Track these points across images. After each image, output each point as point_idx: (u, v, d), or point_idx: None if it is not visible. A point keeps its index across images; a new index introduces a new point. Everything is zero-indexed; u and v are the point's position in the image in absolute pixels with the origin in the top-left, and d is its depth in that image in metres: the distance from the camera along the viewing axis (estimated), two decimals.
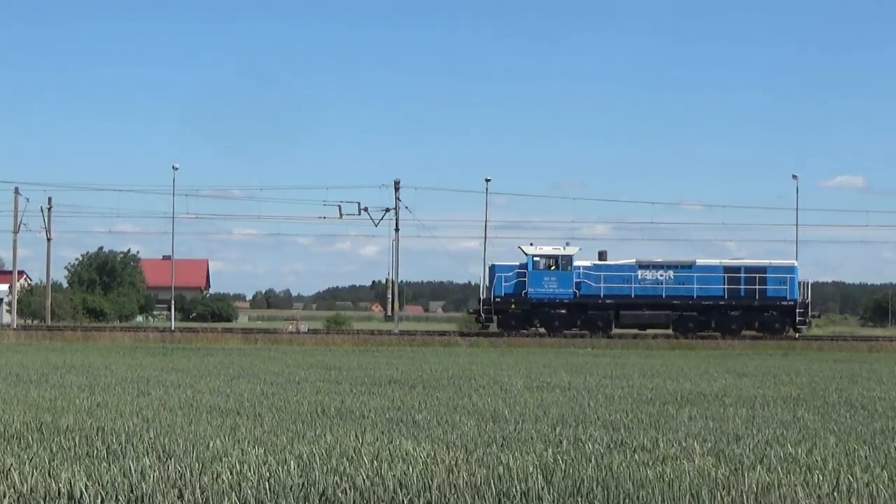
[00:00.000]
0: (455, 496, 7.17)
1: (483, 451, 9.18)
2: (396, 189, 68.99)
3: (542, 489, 7.33)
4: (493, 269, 53.11)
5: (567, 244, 54.15)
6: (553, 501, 7.12)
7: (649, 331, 52.06)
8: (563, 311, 52.32)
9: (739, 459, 8.94)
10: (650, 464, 8.58)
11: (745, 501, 7.20)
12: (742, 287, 52.06)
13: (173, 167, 67.92)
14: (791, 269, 52.67)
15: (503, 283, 52.21)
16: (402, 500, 7.07)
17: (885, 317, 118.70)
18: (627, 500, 7.15)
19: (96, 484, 7.32)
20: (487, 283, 53.27)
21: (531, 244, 53.79)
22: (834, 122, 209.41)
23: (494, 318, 52.69)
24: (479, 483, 7.52)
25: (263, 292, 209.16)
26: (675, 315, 52.16)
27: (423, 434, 10.64)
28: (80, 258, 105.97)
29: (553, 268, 52.06)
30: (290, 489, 7.25)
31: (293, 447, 9.29)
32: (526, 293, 52.00)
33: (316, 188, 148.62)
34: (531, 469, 8.05)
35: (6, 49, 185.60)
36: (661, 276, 52.12)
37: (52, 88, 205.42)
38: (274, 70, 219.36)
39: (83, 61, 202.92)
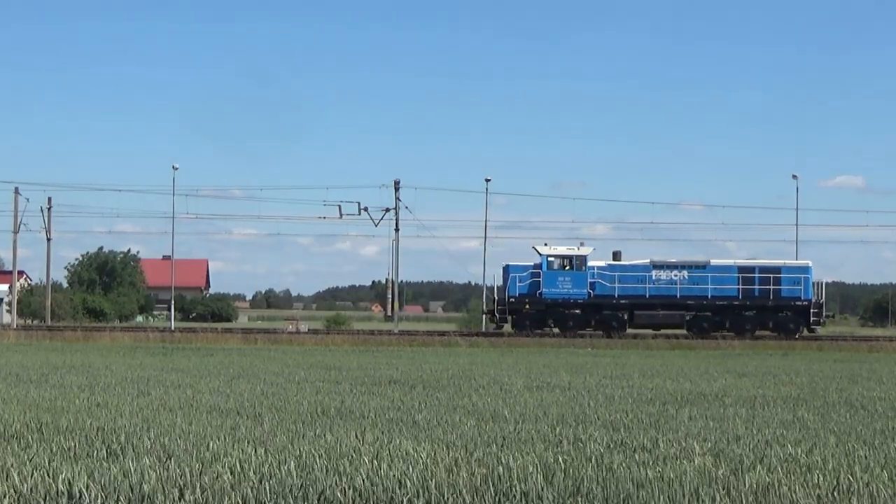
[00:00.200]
0: (455, 496, 7.16)
1: (483, 451, 9.18)
2: (396, 189, 69.05)
3: (542, 489, 7.33)
4: (507, 269, 53.01)
5: (581, 244, 54.17)
6: (553, 501, 7.12)
7: (663, 331, 51.96)
8: (577, 312, 52.33)
9: (739, 459, 8.94)
10: (650, 464, 8.58)
11: (745, 501, 7.21)
12: (756, 287, 52.06)
13: (173, 167, 68.08)
14: (805, 270, 52.65)
15: (517, 284, 52.19)
16: (402, 500, 7.07)
17: (885, 317, 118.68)
18: (627, 500, 7.15)
19: (96, 484, 7.32)
20: (501, 283, 53.18)
21: (545, 244, 53.85)
22: (834, 122, 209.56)
23: (509, 318, 52.63)
24: (479, 483, 7.52)
25: (263, 292, 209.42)
26: (689, 315, 52.19)
27: (423, 434, 10.64)
28: (80, 258, 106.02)
29: (567, 268, 52.08)
30: (290, 489, 7.25)
31: (293, 447, 9.29)
32: (540, 293, 51.99)
33: (316, 188, 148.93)
34: (531, 469, 8.05)
35: (6, 49, 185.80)
36: (676, 276, 52.13)
37: (52, 88, 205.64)
38: (274, 70, 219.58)
39: (83, 61, 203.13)
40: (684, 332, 51.78)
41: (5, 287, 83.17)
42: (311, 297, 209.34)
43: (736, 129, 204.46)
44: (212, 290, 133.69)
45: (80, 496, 7.03)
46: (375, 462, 8.37)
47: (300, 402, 14.53)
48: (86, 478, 7.50)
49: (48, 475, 7.62)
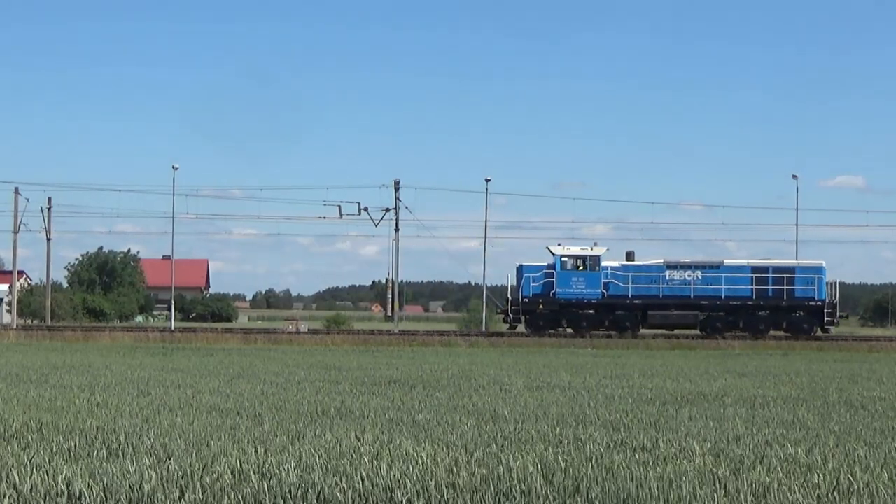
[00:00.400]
0: (455, 496, 7.17)
1: (483, 451, 9.18)
2: (396, 189, 69.02)
3: (542, 489, 7.33)
4: (520, 269, 52.97)
5: (595, 244, 54.18)
6: (553, 501, 7.12)
7: (676, 331, 51.94)
8: (590, 312, 52.31)
9: (739, 459, 8.94)
10: (650, 464, 8.58)
11: (745, 501, 7.21)
12: (770, 287, 52.02)
13: (173, 167, 68.02)
14: (819, 270, 52.57)
15: (531, 284, 52.17)
16: (402, 500, 7.07)
17: (885, 317, 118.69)
18: (627, 500, 7.15)
19: (96, 484, 7.32)
20: (515, 283, 53.15)
21: (559, 244, 53.89)
22: (834, 122, 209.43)
23: (522, 318, 52.62)
24: (479, 483, 7.52)
25: (263, 292, 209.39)
26: (702, 315, 52.20)
27: (423, 434, 10.64)
28: (80, 258, 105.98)
29: (581, 268, 52.08)
30: (290, 489, 7.25)
31: (293, 447, 9.29)
32: (554, 293, 51.96)
33: (316, 188, 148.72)
34: (531, 469, 8.05)
35: (6, 49, 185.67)
36: (689, 276, 52.11)
37: (52, 88, 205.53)
38: (274, 70, 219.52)
39: (83, 61, 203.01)
40: (697, 332, 51.77)
41: (5, 287, 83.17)
42: (311, 297, 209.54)
43: (736, 129, 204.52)
44: (212, 290, 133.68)
45: (80, 496, 7.03)
46: (375, 462, 8.37)
47: (300, 402, 14.53)
48: (86, 478, 7.50)
49: (48, 475, 7.62)
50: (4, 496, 7.03)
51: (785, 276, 52.17)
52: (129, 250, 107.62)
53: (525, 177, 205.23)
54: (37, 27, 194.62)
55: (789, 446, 9.91)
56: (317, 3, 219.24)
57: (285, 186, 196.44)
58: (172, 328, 60.04)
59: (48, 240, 78.75)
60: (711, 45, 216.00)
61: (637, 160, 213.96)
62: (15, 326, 61.36)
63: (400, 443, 9.71)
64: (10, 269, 78.75)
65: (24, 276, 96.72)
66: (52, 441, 9.72)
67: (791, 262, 53.87)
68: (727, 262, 52.97)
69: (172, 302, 69.04)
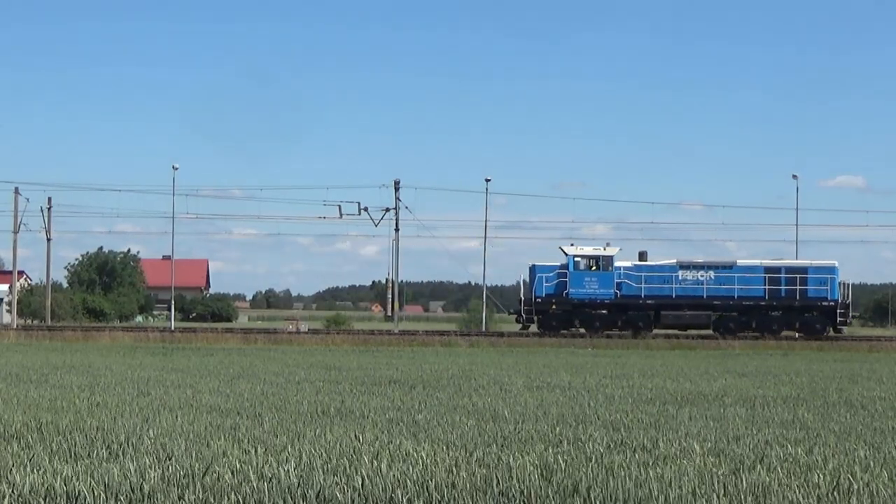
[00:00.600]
0: (455, 496, 7.17)
1: (483, 451, 9.18)
2: (396, 189, 69.04)
3: (542, 489, 7.33)
4: (533, 269, 52.94)
5: (608, 245, 54.22)
6: (553, 501, 7.12)
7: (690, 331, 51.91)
8: (603, 312, 52.32)
9: (739, 459, 8.94)
10: (650, 464, 8.58)
11: (745, 501, 7.21)
12: (783, 287, 51.99)
13: (173, 167, 68.09)
14: (832, 270, 52.50)
15: (544, 284, 52.16)
16: (402, 500, 7.07)
17: (885, 317, 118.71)
18: (627, 500, 7.15)
19: (97, 484, 7.32)
20: (527, 283, 53.11)
21: (572, 244, 53.93)
22: (834, 122, 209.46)
23: (535, 318, 52.59)
24: (479, 483, 7.52)
25: (263, 292, 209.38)
26: (715, 315, 52.19)
27: (423, 434, 10.64)
28: (80, 258, 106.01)
29: (594, 268, 52.09)
30: (290, 489, 7.25)
31: (293, 447, 9.29)
32: (567, 294, 51.96)
33: (316, 188, 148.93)
34: (531, 469, 8.05)
35: (6, 49, 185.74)
36: (702, 276, 52.10)
37: (52, 88, 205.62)
38: (274, 70, 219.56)
39: (83, 61, 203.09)
40: (710, 332, 51.74)
41: (5, 287, 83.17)
42: (311, 297, 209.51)
43: (736, 129, 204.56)
44: (212, 290, 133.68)
45: (80, 496, 7.03)
46: (375, 462, 8.37)
47: (300, 402, 14.53)
48: (86, 478, 7.50)
49: (48, 475, 7.62)
50: (4, 496, 7.03)
51: (798, 276, 52.11)
52: (129, 250, 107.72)
53: (525, 177, 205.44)
54: (37, 27, 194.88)
55: (789, 446, 9.91)
56: (317, 3, 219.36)
57: (285, 186, 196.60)
58: (172, 328, 60.04)
59: (48, 240, 78.81)
60: (711, 45, 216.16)
61: (637, 160, 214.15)
62: (15, 326, 61.35)
63: (400, 443, 9.71)
64: (10, 269, 78.76)
65: (24, 276, 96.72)
66: (52, 441, 9.71)
67: (804, 262, 53.75)
68: (740, 262, 52.95)
69: (172, 302, 69.06)
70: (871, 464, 8.83)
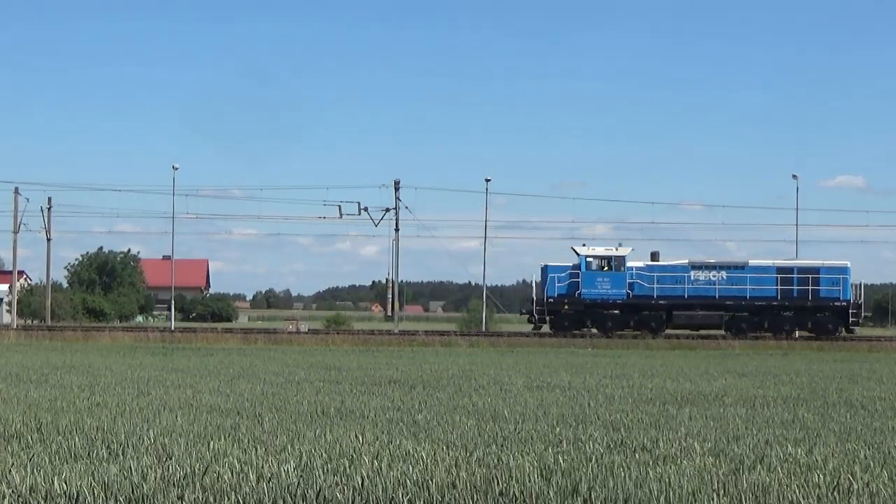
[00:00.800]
0: (455, 496, 7.17)
1: (483, 451, 9.18)
2: (396, 189, 69.04)
3: (542, 489, 7.32)
4: (545, 269, 52.89)
5: (619, 245, 54.22)
6: (553, 501, 7.12)
7: (701, 331, 51.88)
8: (616, 312, 52.30)
9: (739, 459, 8.94)
10: (650, 464, 8.58)
11: (745, 501, 7.21)
12: (795, 288, 51.95)
13: (173, 167, 68.10)
14: (844, 270, 52.46)
15: (556, 284, 52.14)
16: (402, 500, 7.07)
17: (885, 317, 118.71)
18: (627, 501, 7.15)
19: (96, 484, 7.32)
20: (539, 283, 53.08)
21: (584, 244, 53.93)
22: (834, 122, 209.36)
23: (547, 318, 52.55)
24: (479, 483, 7.52)
25: (263, 292, 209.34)
26: (727, 316, 52.17)
27: (423, 434, 10.64)
28: (80, 258, 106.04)
29: (606, 268, 52.08)
30: (290, 489, 7.25)
31: (293, 447, 9.29)
32: (579, 294, 51.93)
33: (316, 188, 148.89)
34: (531, 469, 8.04)
35: (6, 49, 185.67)
36: (714, 276, 52.07)
37: (52, 88, 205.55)
38: (274, 70, 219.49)
39: (83, 61, 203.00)
40: (722, 332, 51.70)
41: (5, 287, 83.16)
42: (311, 297, 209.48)
43: (736, 129, 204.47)
44: (212, 290, 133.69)
45: (80, 496, 7.03)
46: (375, 462, 8.37)
47: (300, 402, 14.53)
48: (86, 478, 7.50)
49: (48, 475, 7.62)
50: (4, 496, 7.02)
51: (810, 276, 52.07)
52: (129, 250, 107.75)
53: (525, 177, 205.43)
54: (37, 27, 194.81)
55: (789, 446, 9.90)
56: (317, 3, 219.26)
57: (285, 186, 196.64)
58: (172, 328, 60.04)
59: (48, 240, 78.83)
60: (711, 45, 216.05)
61: (637, 160, 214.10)
62: (15, 326, 61.35)
63: (400, 443, 9.71)
64: (10, 269, 78.76)
65: (24, 276, 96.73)
66: (52, 441, 9.71)
67: (816, 262, 53.59)
68: (752, 262, 52.91)
69: (172, 302, 69.06)
70: (871, 464, 8.83)
